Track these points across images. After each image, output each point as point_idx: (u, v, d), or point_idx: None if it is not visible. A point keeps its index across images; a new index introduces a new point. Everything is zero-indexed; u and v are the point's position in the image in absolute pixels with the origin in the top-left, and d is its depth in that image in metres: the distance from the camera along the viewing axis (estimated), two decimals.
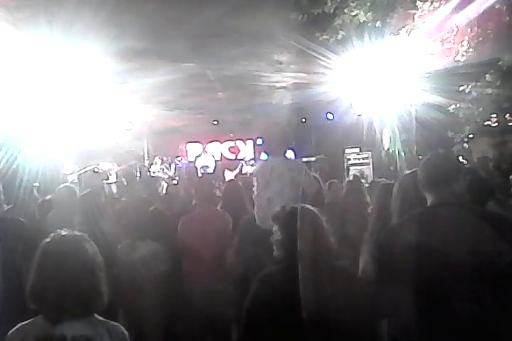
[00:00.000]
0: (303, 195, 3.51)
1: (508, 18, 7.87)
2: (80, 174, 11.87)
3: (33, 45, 8.79)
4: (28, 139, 9.32)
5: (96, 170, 12.22)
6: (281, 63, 11.41)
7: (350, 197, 4.36)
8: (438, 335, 2.09)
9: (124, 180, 12.82)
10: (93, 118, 11.23)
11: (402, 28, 8.71)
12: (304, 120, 14.11)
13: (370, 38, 9.32)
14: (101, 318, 1.96)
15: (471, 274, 2.04)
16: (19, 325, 1.95)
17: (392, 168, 11.08)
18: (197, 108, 13.47)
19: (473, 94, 10.13)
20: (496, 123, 10.46)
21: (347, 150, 12.92)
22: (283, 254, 2.29)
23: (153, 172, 12.98)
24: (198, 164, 13.70)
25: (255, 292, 2.27)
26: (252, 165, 13.53)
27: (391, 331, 2.38)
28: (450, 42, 8.14)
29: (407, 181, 2.66)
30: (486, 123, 10.52)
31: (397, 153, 10.80)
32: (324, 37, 9.95)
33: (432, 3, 8.17)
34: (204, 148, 14.85)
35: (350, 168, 12.42)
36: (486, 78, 9.98)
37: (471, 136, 10.75)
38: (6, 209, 4.37)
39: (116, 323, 2.00)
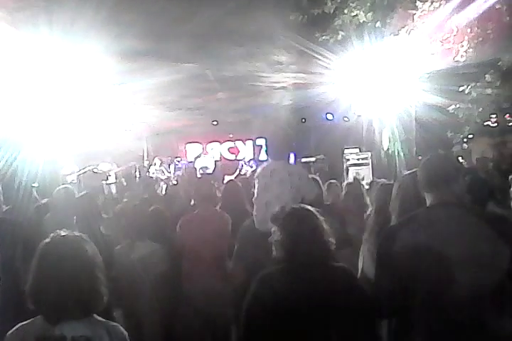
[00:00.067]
0: (302, 200, 3.51)
1: (507, 18, 7.88)
2: (80, 174, 11.87)
3: (33, 46, 8.79)
4: (27, 140, 9.32)
5: (95, 170, 12.23)
6: (281, 63, 11.41)
7: (349, 199, 4.36)
8: (438, 335, 2.08)
9: (123, 180, 12.85)
10: (93, 118, 11.23)
11: (402, 29, 8.71)
12: (303, 120, 14.12)
13: (370, 38, 9.33)
14: (100, 318, 1.96)
15: (471, 274, 2.03)
16: (19, 325, 1.94)
17: (391, 168, 11.09)
18: (197, 108, 13.48)
19: (473, 94, 10.14)
20: (496, 124, 10.47)
21: (346, 151, 12.93)
22: (282, 255, 2.29)
23: (152, 173, 12.98)
24: (198, 165, 13.70)
25: (255, 292, 2.27)
26: (251, 167, 13.53)
27: (391, 331, 2.38)
28: (450, 42, 8.15)
29: (407, 181, 2.65)
30: (485, 123, 10.53)
31: (396, 153, 10.79)
32: (324, 37, 9.95)
33: (431, 3, 8.17)
34: (204, 149, 14.84)
35: (350, 168, 12.41)
36: (486, 78, 10.00)
37: (470, 136, 10.76)
38: (4, 210, 4.36)
39: (115, 323, 2.00)
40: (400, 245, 2.13)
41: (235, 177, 10.61)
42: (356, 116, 11.80)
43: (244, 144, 15.56)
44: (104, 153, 12.41)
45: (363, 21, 9.30)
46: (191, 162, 14.14)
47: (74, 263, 1.90)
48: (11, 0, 8.07)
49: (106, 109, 11.33)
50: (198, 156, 14.11)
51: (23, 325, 1.94)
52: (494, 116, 10.46)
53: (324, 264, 2.28)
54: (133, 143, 13.54)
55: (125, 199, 5.33)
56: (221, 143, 15.39)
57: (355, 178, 5.89)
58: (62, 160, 11.41)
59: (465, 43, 8.14)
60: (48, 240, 1.96)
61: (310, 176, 4.24)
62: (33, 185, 8.58)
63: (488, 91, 10.17)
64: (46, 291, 1.87)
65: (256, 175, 4.00)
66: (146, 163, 13.99)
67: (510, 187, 4.29)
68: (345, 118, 13.13)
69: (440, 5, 8.11)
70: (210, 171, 13.28)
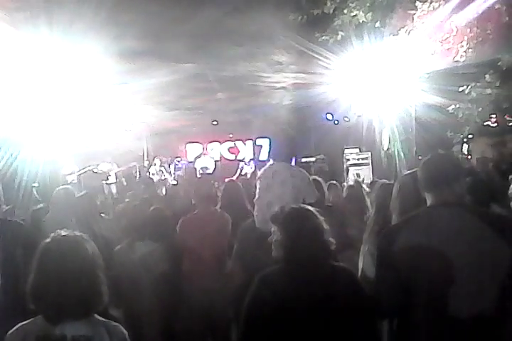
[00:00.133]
0: (303, 201, 3.52)
1: (507, 18, 7.89)
2: (80, 174, 11.87)
3: (32, 46, 8.80)
4: (27, 140, 9.32)
5: (95, 170, 12.23)
6: (280, 64, 11.42)
7: (350, 202, 4.36)
8: (438, 335, 2.09)
9: (123, 180, 12.85)
10: (93, 118, 11.23)
11: (402, 29, 8.72)
12: (303, 120, 14.11)
13: (369, 38, 9.34)
14: (101, 318, 1.96)
15: (472, 274, 2.04)
16: (19, 324, 1.94)
17: (391, 168, 11.10)
18: (196, 108, 13.48)
19: (473, 94, 10.14)
20: (496, 124, 10.46)
21: (346, 151, 12.93)
22: (282, 254, 2.29)
23: (152, 174, 12.98)
24: (198, 165, 13.70)
25: (255, 292, 2.27)
26: (251, 168, 13.53)
27: (393, 331, 2.38)
28: (449, 42, 8.15)
29: (407, 181, 2.66)
30: (485, 123, 10.53)
31: (396, 153, 10.80)
32: (324, 37, 9.96)
33: (431, 3, 8.18)
34: (205, 149, 14.82)
35: (350, 168, 12.42)
36: (486, 78, 10.00)
37: (470, 136, 10.75)
38: (5, 209, 4.36)
39: (116, 323, 2.00)
40: (400, 245, 2.14)
41: (236, 178, 10.63)
42: (356, 116, 11.80)
43: (245, 144, 15.56)
44: (104, 153, 12.41)
45: (363, 21, 9.31)
46: (191, 162, 14.14)
47: (74, 263, 1.90)
48: (11, 0, 8.07)
49: (106, 109, 11.34)
50: (198, 156, 14.12)
51: (23, 324, 1.94)
52: (494, 116, 10.45)
53: (324, 264, 2.28)
54: (133, 143, 13.54)
55: (127, 199, 5.33)
56: (221, 143, 15.38)
57: (356, 181, 5.88)
58: (62, 160, 11.40)
59: (464, 43, 8.14)
60: (48, 240, 1.96)
61: (312, 177, 4.26)
62: (34, 184, 8.60)
63: (488, 91, 10.17)
64: (47, 291, 1.87)
65: (258, 175, 4.00)
66: (146, 163, 13.99)
67: (509, 187, 4.30)
68: (346, 118, 13.14)
69: (440, 5, 8.12)
70: (210, 171, 13.29)
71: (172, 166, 13.76)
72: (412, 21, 8.47)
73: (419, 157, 9.88)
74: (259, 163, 13.74)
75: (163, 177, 13.07)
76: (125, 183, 12.84)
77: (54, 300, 1.87)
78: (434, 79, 9.34)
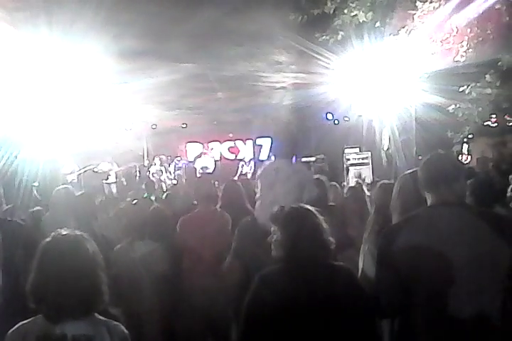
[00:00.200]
0: (308, 198, 3.52)
1: (507, 18, 7.89)
2: (80, 174, 11.88)
3: (32, 46, 8.80)
4: (27, 139, 9.32)
5: (95, 170, 12.24)
6: (280, 63, 11.42)
7: (351, 203, 4.35)
8: (438, 335, 2.09)
9: (123, 180, 12.86)
10: (93, 118, 11.23)
11: (402, 29, 8.72)
12: (303, 120, 14.11)
13: (369, 38, 9.33)
14: (101, 317, 1.96)
15: (471, 274, 2.04)
16: (19, 324, 1.94)
17: (391, 168, 11.10)
18: (197, 108, 13.48)
19: (473, 94, 10.14)
20: (496, 124, 10.47)
21: (346, 151, 12.92)
22: (282, 254, 2.29)
23: (152, 174, 12.98)
24: (198, 165, 13.70)
25: (255, 291, 2.27)
26: (251, 168, 13.53)
27: (393, 331, 2.38)
28: (450, 42, 8.15)
29: (408, 181, 2.66)
30: (485, 123, 10.53)
31: (396, 153, 10.80)
32: (324, 37, 9.96)
33: (431, 3, 8.17)
34: (206, 148, 14.78)
35: (350, 168, 12.41)
36: (486, 78, 10.00)
37: (470, 136, 10.76)
38: (5, 209, 4.37)
39: (116, 322, 2.00)
40: (400, 244, 2.14)
41: (238, 178, 10.63)
42: (356, 116, 11.81)
43: (245, 144, 15.55)
44: (104, 153, 12.42)
45: (363, 21, 9.30)
46: (191, 162, 14.14)
47: (75, 262, 1.90)
48: (11, 0, 8.08)
49: (106, 108, 11.34)
50: (199, 156, 14.11)
51: (23, 323, 1.94)
52: (494, 116, 10.46)
53: (324, 263, 2.28)
54: (133, 142, 13.54)
55: (128, 199, 5.33)
56: (221, 142, 15.38)
57: (357, 182, 5.87)
58: (62, 159, 11.40)
59: (465, 43, 8.14)
60: (49, 239, 1.96)
61: (316, 177, 4.26)
62: (34, 184, 8.60)
63: (488, 91, 10.17)
64: (47, 290, 1.87)
65: (259, 173, 4.00)
66: (146, 163, 13.99)
67: (509, 187, 4.31)
68: (346, 118, 13.14)
69: (440, 5, 8.12)
70: (210, 171, 13.29)
71: (172, 166, 13.76)
72: (413, 21, 8.47)
73: (419, 157, 9.89)
74: (258, 163, 13.75)
75: (162, 178, 13.07)
76: (125, 183, 12.85)
77: (54, 299, 1.87)
78: (434, 79, 9.34)
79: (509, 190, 4.25)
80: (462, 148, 10.79)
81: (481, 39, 8.10)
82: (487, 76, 10.01)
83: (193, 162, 14.01)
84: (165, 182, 12.95)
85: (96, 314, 1.95)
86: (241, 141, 15.51)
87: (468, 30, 8.07)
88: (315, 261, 2.26)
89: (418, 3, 8.33)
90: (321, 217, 2.35)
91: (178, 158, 14.16)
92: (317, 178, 4.32)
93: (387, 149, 11.76)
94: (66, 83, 10.05)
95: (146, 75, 10.13)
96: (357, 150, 12.96)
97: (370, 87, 10.39)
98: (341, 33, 9.72)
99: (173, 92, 11.72)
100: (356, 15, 9.29)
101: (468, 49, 8.18)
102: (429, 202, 2.24)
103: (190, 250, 3.96)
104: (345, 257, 3.17)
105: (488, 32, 8.04)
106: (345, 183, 10.44)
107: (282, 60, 11.28)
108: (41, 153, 9.68)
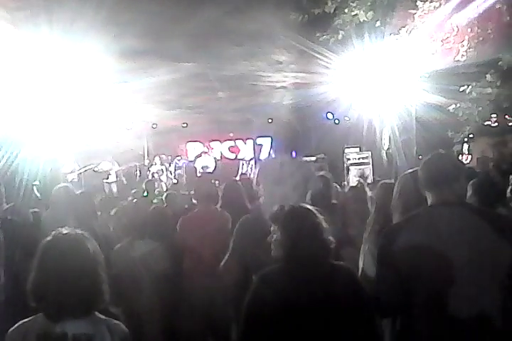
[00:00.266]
0: (312, 192, 3.52)
1: (508, 17, 7.89)
2: (80, 173, 11.88)
3: (32, 45, 8.80)
4: (28, 138, 9.33)
5: (96, 169, 12.24)
6: (281, 63, 11.43)
7: (353, 202, 4.34)
8: (438, 335, 2.09)
9: (124, 179, 12.86)
10: (93, 117, 11.24)
11: (403, 28, 8.73)
12: (303, 120, 14.11)
13: (370, 37, 9.33)
14: (102, 316, 1.96)
15: (472, 274, 2.04)
16: (20, 322, 1.94)
17: (392, 167, 11.09)
18: (197, 107, 13.48)
19: (473, 94, 10.14)
20: (496, 123, 10.47)
21: (347, 150, 12.92)
22: (282, 253, 2.29)
23: (153, 174, 12.97)
24: (198, 164, 13.69)
25: (255, 291, 2.27)
26: (251, 168, 13.52)
27: (394, 331, 2.38)
28: (450, 42, 8.16)
29: (408, 180, 2.66)
30: (486, 123, 10.53)
31: (397, 152, 10.80)
32: (324, 37, 9.97)
33: (431, 3, 8.17)
34: (208, 147, 14.75)
35: (350, 167, 12.41)
36: (486, 78, 10.00)
37: (471, 136, 10.76)
38: (5, 208, 4.37)
39: (117, 321, 2.00)
40: (400, 244, 2.14)
41: (240, 177, 10.62)
42: (357, 116, 11.80)
43: (245, 143, 15.55)
44: (104, 152, 12.42)
45: (363, 21, 9.31)
46: (192, 161, 14.13)
47: (75, 261, 1.90)
48: None
49: (106, 107, 11.34)
50: (199, 155, 14.11)
51: (24, 322, 1.94)
52: (494, 115, 10.45)
53: (324, 263, 2.28)
54: (133, 141, 13.54)
55: (130, 198, 5.34)
56: (222, 142, 15.37)
57: (359, 182, 5.87)
58: (63, 158, 11.42)
59: (465, 43, 8.14)
60: (49, 238, 1.96)
61: (321, 173, 4.27)
62: (34, 183, 8.61)
63: (489, 90, 10.18)
64: (47, 289, 1.87)
65: (261, 169, 3.98)
66: (146, 162, 13.99)
67: (509, 187, 4.31)
68: (346, 118, 13.13)
69: (440, 4, 8.12)
70: (210, 170, 13.28)
71: (172, 165, 13.76)
72: (413, 21, 8.48)
73: (420, 156, 9.88)
74: (259, 162, 13.75)
75: (163, 177, 13.06)
76: (125, 182, 12.85)
77: (55, 298, 1.87)
78: (435, 78, 9.34)
79: (509, 190, 4.25)
80: (462, 147, 10.78)
81: (481, 39, 8.10)
82: (487, 76, 10.01)
83: (194, 161, 14.00)
84: (165, 182, 12.94)
85: (96, 313, 1.96)
86: (241, 141, 15.51)
87: (469, 29, 8.07)
88: (315, 260, 2.26)
89: (418, 3, 8.33)
90: (320, 217, 2.35)
91: (179, 158, 14.16)
92: (322, 175, 4.32)
93: (388, 149, 11.77)
94: (67, 82, 10.05)
95: (147, 74, 10.14)
96: (357, 149, 12.96)
97: (371, 86, 10.39)
98: (342, 32, 9.73)
99: (173, 92, 11.72)
100: (357, 14, 9.30)
101: (468, 48, 8.18)
102: (429, 202, 2.24)
103: (190, 249, 3.97)
104: (345, 256, 3.18)
105: (489, 31, 8.05)
106: (345, 183, 10.43)
107: (283, 60, 11.29)
108: (42, 152, 9.68)
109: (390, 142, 11.55)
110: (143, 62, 10.06)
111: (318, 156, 13.36)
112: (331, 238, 2.31)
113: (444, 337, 2.08)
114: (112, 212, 4.89)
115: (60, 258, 1.89)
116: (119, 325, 1.99)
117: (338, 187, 5.64)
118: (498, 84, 10.09)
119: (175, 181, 13.21)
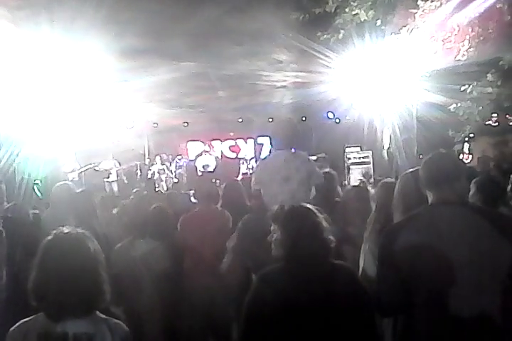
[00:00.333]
0: (316, 184, 3.52)
1: (509, 17, 7.88)
2: (81, 172, 11.89)
3: (33, 44, 8.80)
4: (29, 137, 9.33)
5: (97, 168, 12.25)
6: (281, 62, 11.43)
7: (354, 202, 4.33)
8: (439, 335, 2.09)
9: (124, 178, 12.87)
10: (94, 116, 11.24)
11: (403, 27, 8.72)
12: (304, 119, 14.12)
13: (371, 37, 9.33)
14: (102, 316, 1.96)
15: (472, 273, 2.04)
16: (21, 321, 1.95)
17: (392, 167, 11.09)
18: (198, 106, 13.48)
19: (474, 93, 10.14)
20: (497, 123, 10.46)
21: (347, 149, 12.92)
22: (282, 253, 2.29)
23: (154, 173, 12.97)
24: (199, 163, 13.69)
25: (255, 290, 2.28)
26: (251, 168, 13.50)
27: (395, 330, 2.38)
28: (451, 41, 8.15)
29: (409, 180, 2.66)
30: (486, 122, 10.52)
31: (397, 152, 10.79)
32: (325, 36, 9.96)
33: (432, 2, 8.17)
34: (210, 147, 14.75)
35: (351, 166, 12.41)
36: (487, 77, 9.99)
37: (471, 135, 10.75)
38: (6, 207, 4.37)
39: (117, 321, 2.00)
40: (401, 244, 2.13)
41: (243, 177, 10.60)
42: (357, 115, 11.79)
43: (246, 142, 15.54)
44: (105, 151, 12.43)
45: (364, 20, 9.30)
46: (192, 160, 14.13)
47: (76, 261, 1.90)
48: None
49: (107, 106, 11.34)
50: (200, 155, 14.11)
51: (25, 321, 1.94)
52: (495, 115, 10.45)
53: (324, 262, 2.28)
54: (134, 140, 13.54)
55: (131, 197, 5.33)
56: (222, 141, 15.37)
57: (362, 181, 5.85)
58: (63, 157, 11.43)
59: (466, 42, 8.14)
60: (50, 237, 1.97)
61: (326, 170, 4.27)
62: (35, 182, 8.62)
63: (489, 90, 10.17)
64: (48, 289, 1.87)
65: (265, 165, 3.96)
66: (147, 161, 13.99)
67: (509, 186, 4.30)
68: (347, 117, 13.13)
69: (441, 4, 8.11)
70: (211, 169, 13.28)
71: (173, 164, 13.76)
72: (414, 20, 8.47)
73: (421, 156, 9.88)
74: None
75: (163, 177, 13.06)
76: (126, 181, 12.86)
77: (55, 297, 1.87)
78: (436, 78, 9.33)
79: (509, 188, 4.25)
80: (463, 147, 10.77)
81: (482, 38, 8.10)
82: (488, 75, 10.01)
83: (194, 160, 14.00)
84: (166, 182, 12.93)
85: (97, 312, 1.96)
86: (242, 140, 15.51)
87: (470, 29, 8.06)
88: (315, 259, 2.26)
89: (419, 2, 8.32)
90: (321, 216, 2.35)
91: (179, 157, 14.16)
92: (327, 172, 4.31)
93: (388, 148, 11.76)
94: (67, 81, 10.05)
95: (148, 73, 10.14)
96: (358, 149, 12.95)
97: (371, 85, 10.38)
98: (342, 31, 9.73)
99: (174, 91, 11.73)
100: (357, 14, 9.29)
101: (469, 48, 8.17)
102: (430, 201, 2.23)
103: (191, 249, 3.97)
104: (346, 256, 3.18)
105: (490, 31, 8.04)
106: (346, 182, 10.43)
107: (283, 59, 11.29)
108: (43, 151, 9.69)
109: (390, 141, 11.54)
110: (143, 61, 10.06)
111: (319, 156, 13.35)
112: (331, 237, 2.31)
113: (445, 337, 2.08)
114: (113, 211, 4.89)
115: (61, 258, 1.89)
116: (120, 325, 1.99)
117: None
118: (499, 83, 10.09)
119: (175, 180, 13.21)
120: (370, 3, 9.27)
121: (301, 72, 11.10)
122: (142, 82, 10.32)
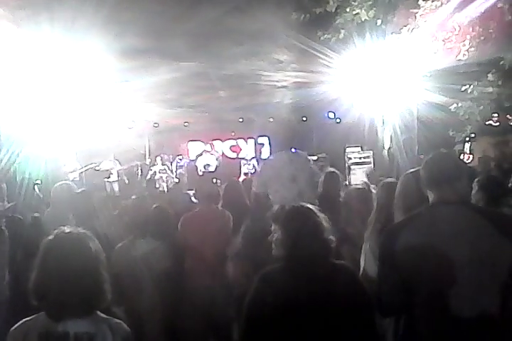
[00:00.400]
0: (324, 188, 3.53)
1: (510, 17, 7.87)
2: (82, 172, 11.90)
3: (34, 44, 8.81)
4: (30, 137, 9.33)
5: (97, 168, 12.26)
6: (282, 62, 11.42)
7: (357, 204, 4.33)
8: (440, 335, 2.09)
9: (125, 178, 12.88)
10: (95, 116, 11.25)
11: (404, 27, 8.71)
12: (304, 119, 14.12)
13: (371, 36, 9.32)
14: (103, 315, 1.96)
15: (473, 273, 2.04)
16: (22, 321, 1.95)
17: (393, 167, 11.08)
18: (198, 106, 13.49)
19: (475, 93, 10.13)
20: (498, 123, 10.45)
21: (348, 149, 12.92)
22: (283, 253, 2.29)
23: (154, 173, 12.97)
24: (200, 163, 13.69)
25: (256, 290, 2.28)
26: (252, 168, 13.51)
27: (397, 330, 2.38)
28: (452, 41, 8.14)
29: (410, 179, 2.66)
30: (487, 122, 10.51)
31: (398, 152, 10.78)
32: (326, 36, 9.95)
33: (433, 2, 8.16)
34: (210, 147, 14.76)
35: (352, 167, 12.41)
36: (488, 77, 9.98)
37: (472, 135, 10.74)
38: (7, 207, 4.38)
39: (118, 320, 2.00)
40: (401, 244, 2.13)
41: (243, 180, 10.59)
42: (358, 115, 11.78)
43: (246, 142, 15.55)
44: (106, 151, 12.43)
45: (365, 20, 9.29)
46: (193, 160, 14.14)
47: (77, 260, 1.90)
48: None
49: (108, 106, 11.35)
50: (200, 154, 14.11)
51: (26, 321, 1.95)
52: (496, 115, 10.44)
53: (325, 262, 2.28)
54: (135, 140, 13.55)
55: (133, 196, 5.34)
56: (223, 141, 15.38)
57: (365, 183, 5.84)
58: (64, 157, 11.43)
59: (467, 42, 8.12)
60: (51, 237, 1.97)
61: (331, 170, 4.28)
62: (36, 182, 8.61)
63: (490, 90, 10.16)
64: (50, 288, 1.88)
65: (270, 167, 3.96)
66: (148, 161, 14.00)
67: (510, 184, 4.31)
68: (347, 117, 13.12)
69: (442, 4, 8.10)
70: (212, 169, 13.28)
71: (174, 164, 13.76)
72: (415, 20, 8.46)
73: (421, 156, 9.87)
74: (261, 162, 13.75)
75: (164, 177, 13.05)
76: (127, 181, 12.87)
77: (56, 297, 1.87)
78: (436, 77, 9.32)
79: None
80: (464, 147, 10.75)
81: (483, 38, 8.08)
82: (489, 75, 9.99)
83: (195, 160, 14.00)
84: (166, 182, 12.92)
85: (98, 312, 1.96)
86: (243, 140, 15.51)
87: (471, 28, 8.05)
88: (316, 259, 2.26)
89: (420, 2, 8.31)
90: (321, 216, 2.36)
91: (180, 157, 14.16)
92: (332, 171, 4.32)
93: (389, 148, 11.75)
94: (68, 81, 10.05)
95: (148, 73, 10.14)
96: (359, 149, 12.95)
97: (372, 85, 10.38)
98: (343, 31, 9.72)
99: (174, 91, 11.73)
100: (358, 13, 9.28)
101: (470, 48, 8.16)
102: (431, 201, 2.24)
103: (191, 248, 3.97)
104: (346, 255, 3.18)
105: (491, 31, 8.03)
106: (346, 182, 10.42)
107: (284, 59, 11.28)
108: (43, 151, 9.69)
109: (391, 141, 11.53)
110: (144, 61, 10.06)
111: (320, 156, 13.36)
112: (331, 237, 2.32)
113: (446, 336, 2.08)
114: (114, 211, 4.89)
115: (62, 257, 1.90)
116: (121, 324, 1.99)
117: None
118: (500, 83, 10.07)
119: (176, 180, 13.21)
120: (370, 2, 9.26)
121: (301, 72, 11.09)
122: (143, 82, 10.32)
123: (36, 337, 1.88)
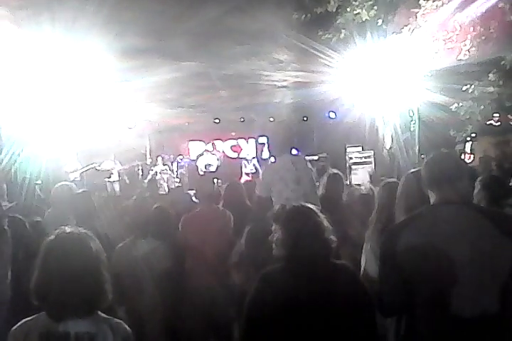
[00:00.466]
0: (327, 189, 3.54)
1: (511, 17, 7.86)
2: (83, 172, 11.90)
3: (35, 44, 8.81)
4: (31, 137, 9.34)
5: (98, 168, 12.26)
6: (283, 62, 11.42)
7: (359, 206, 4.34)
8: (441, 334, 2.09)
9: (126, 178, 12.88)
10: (95, 116, 11.25)
11: (405, 27, 8.71)
12: (305, 119, 14.12)
13: (372, 36, 9.33)
14: (104, 315, 1.96)
15: (474, 273, 2.04)
16: (23, 321, 1.95)
17: (394, 166, 11.08)
18: (199, 106, 13.49)
19: (476, 93, 10.12)
20: (499, 123, 10.44)
21: (349, 149, 12.92)
22: (283, 253, 2.29)
23: (155, 174, 12.97)
24: (200, 163, 13.69)
25: (256, 290, 2.28)
26: (254, 168, 13.50)
27: (398, 330, 2.38)
28: (453, 41, 8.14)
29: (411, 179, 2.66)
30: (488, 122, 10.51)
31: (399, 151, 10.78)
32: (326, 36, 9.96)
33: (434, 1, 8.16)
34: (211, 147, 14.75)
35: (353, 166, 12.41)
36: (489, 77, 9.97)
37: (473, 135, 10.74)
38: (8, 207, 4.38)
39: (119, 320, 2.00)
40: (403, 244, 2.13)
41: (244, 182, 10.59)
42: (359, 115, 11.79)
43: (247, 142, 15.55)
44: (107, 151, 12.44)
45: (366, 19, 9.30)
46: (194, 160, 14.14)
47: (78, 260, 1.90)
48: None
49: (108, 106, 11.35)
50: (201, 154, 14.11)
51: (27, 321, 1.95)
52: (497, 114, 10.43)
53: (325, 262, 2.28)
54: (135, 140, 13.56)
55: (134, 197, 5.34)
56: (224, 141, 15.38)
57: (370, 189, 5.83)
58: (65, 157, 11.44)
59: (468, 42, 8.13)
60: (52, 237, 1.97)
61: (335, 171, 4.29)
62: (37, 182, 8.63)
63: (491, 90, 10.15)
64: (50, 288, 1.88)
65: (274, 170, 3.96)
66: (149, 161, 14.00)
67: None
68: (348, 117, 13.12)
69: (443, 3, 8.10)
70: (213, 169, 13.28)
71: (175, 164, 13.77)
72: (416, 20, 8.46)
73: (422, 156, 9.88)
74: (261, 162, 13.76)
75: (165, 177, 13.05)
76: (128, 181, 12.87)
77: (57, 297, 1.87)
78: (437, 77, 9.32)
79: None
80: (465, 147, 10.75)
81: (484, 38, 8.09)
82: (490, 75, 9.99)
83: (196, 160, 14.01)
84: (167, 182, 12.92)
85: (99, 312, 1.96)
86: (243, 140, 15.51)
87: (472, 28, 8.05)
88: (316, 259, 2.26)
89: (421, 2, 8.32)
90: (322, 216, 2.36)
91: (181, 157, 14.17)
92: (336, 173, 4.32)
93: (390, 148, 11.75)
94: (69, 81, 10.06)
95: (149, 73, 10.14)
96: (359, 148, 12.95)
97: (373, 85, 10.38)
98: (344, 31, 9.72)
99: (175, 90, 11.73)
100: (359, 13, 9.29)
101: (471, 48, 8.16)
102: (432, 201, 2.23)
103: (192, 248, 3.97)
104: (346, 255, 3.18)
105: (492, 30, 8.03)
106: (347, 182, 10.42)
107: (284, 59, 11.28)
108: (44, 151, 9.70)
109: (392, 141, 11.53)
110: (144, 61, 10.07)
111: (321, 155, 13.37)
112: (332, 237, 2.31)
113: (447, 336, 2.07)
114: (114, 211, 4.89)
115: (63, 258, 1.90)
116: (122, 324, 1.99)
117: None
118: (501, 83, 10.07)
119: (177, 180, 13.21)
120: (371, 2, 9.26)
121: (302, 71, 11.09)
122: (143, 82, 10.33)
123: (37, 337, 1.88)
